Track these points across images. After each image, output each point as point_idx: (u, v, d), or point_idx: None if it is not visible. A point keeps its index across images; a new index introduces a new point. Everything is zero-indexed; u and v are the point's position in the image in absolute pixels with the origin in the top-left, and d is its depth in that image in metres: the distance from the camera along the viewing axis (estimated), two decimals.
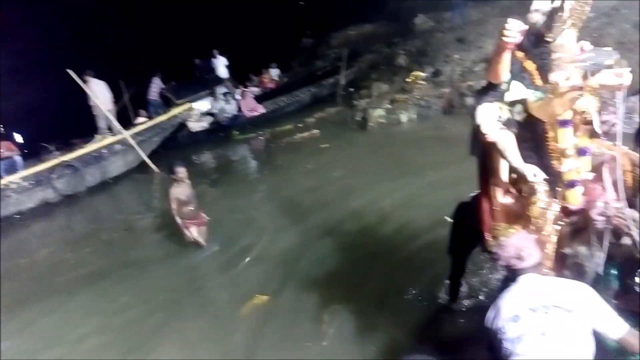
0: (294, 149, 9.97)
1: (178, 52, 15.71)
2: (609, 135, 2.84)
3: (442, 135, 8.22)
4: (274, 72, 16.53)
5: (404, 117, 9.83)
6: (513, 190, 2.62)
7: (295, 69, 17.86)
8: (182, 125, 11.89)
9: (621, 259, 2.49)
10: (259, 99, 13.90)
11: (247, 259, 5.24)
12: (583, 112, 2.44)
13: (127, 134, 9.77)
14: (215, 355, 3.75)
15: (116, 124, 9.99)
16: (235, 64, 14.60)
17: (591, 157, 2.56)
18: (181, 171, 5.46)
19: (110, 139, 9.81)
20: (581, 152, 2.51)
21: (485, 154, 2.64)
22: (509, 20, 2.16)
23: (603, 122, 2.87)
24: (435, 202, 5.48)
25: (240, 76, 15.08)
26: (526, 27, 2.21)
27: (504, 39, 2.16)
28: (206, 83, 14.16)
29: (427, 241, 4.71)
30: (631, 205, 2.45)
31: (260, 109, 13.43)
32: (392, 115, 9.95)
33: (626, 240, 2.38)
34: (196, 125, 12.58)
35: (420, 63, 11.38)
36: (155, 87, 13.61)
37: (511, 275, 2.29)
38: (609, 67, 2.32)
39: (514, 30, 2.14)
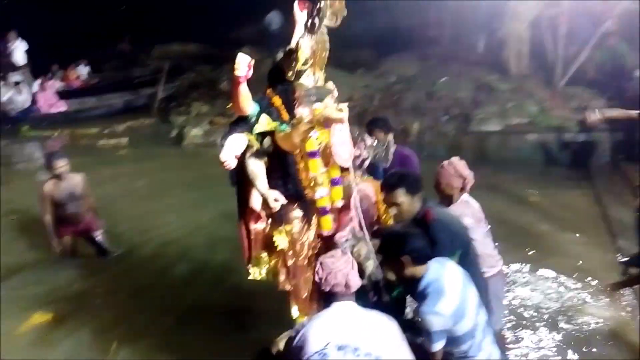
0: (91, 154, 9.08)
1: None
2: (361, 169, 3.23)
3: None
4: (83, 70, 14.96)
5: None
6: (264, 217, 2.73)
7: (108, 72, 16.44)
8: None
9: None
10: (63, 95, 12.45)
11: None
12: (326, 144, 2.65)
13: None
14: None
15: None
16: (38, 51, 12.73)
17: (343, 187, 2.76)
18: (61, 164, 4.47)
19: None
20: (333, 182, 2.73)
21: (240, 183, 2.74)
22: (239, 55, 2.26)
23: (357, 157, 3.26)
24: None
25: (42, 66, 13.18)
26: (252, 61, 2.29)
27: (236, 72, 2.26)
28: None
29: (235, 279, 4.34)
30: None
31: (62, 106, 12.00)
32: (210, 137, 9.83)
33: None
34: None
35: None
36: None
37: (327, 301, 2.17)
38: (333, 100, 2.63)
39: (243, 64, 2.25)
